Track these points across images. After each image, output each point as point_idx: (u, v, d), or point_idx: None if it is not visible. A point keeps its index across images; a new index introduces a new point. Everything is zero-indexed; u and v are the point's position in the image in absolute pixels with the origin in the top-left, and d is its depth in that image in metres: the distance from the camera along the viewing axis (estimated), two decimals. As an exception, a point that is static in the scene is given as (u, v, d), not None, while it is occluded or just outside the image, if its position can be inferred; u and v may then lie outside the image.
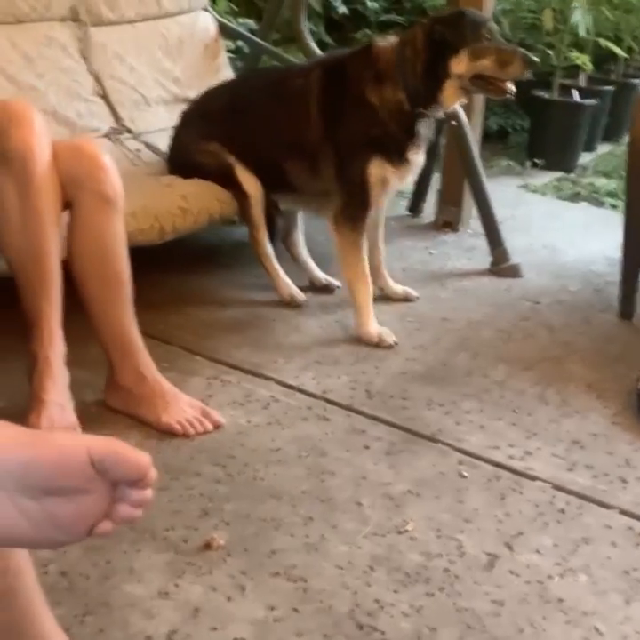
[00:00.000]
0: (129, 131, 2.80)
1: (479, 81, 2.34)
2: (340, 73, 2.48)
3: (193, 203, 2.46)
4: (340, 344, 2.44)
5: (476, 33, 2.32)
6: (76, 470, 0.78)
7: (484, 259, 3.07)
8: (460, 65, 2.32)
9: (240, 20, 3.91)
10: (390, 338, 2.44)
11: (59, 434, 0.80)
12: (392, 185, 2.48)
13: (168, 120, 2.83)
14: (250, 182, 2.57)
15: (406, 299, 2.74)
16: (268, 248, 2.64)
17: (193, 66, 3.09)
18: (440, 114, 2.46)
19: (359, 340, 2.46)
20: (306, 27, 3.29)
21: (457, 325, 2.60)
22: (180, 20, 3.10)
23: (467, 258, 3.14)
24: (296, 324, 2.54)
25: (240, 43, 3.66)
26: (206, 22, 3.18)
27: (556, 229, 3.50)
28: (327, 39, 4.45)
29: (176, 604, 1.49)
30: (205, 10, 3.21)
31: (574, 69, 4.56)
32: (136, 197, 2.26)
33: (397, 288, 2.75)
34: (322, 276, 2.79)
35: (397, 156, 2.42)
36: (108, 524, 0.81)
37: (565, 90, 4.46)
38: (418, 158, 2.47)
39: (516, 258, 3.03)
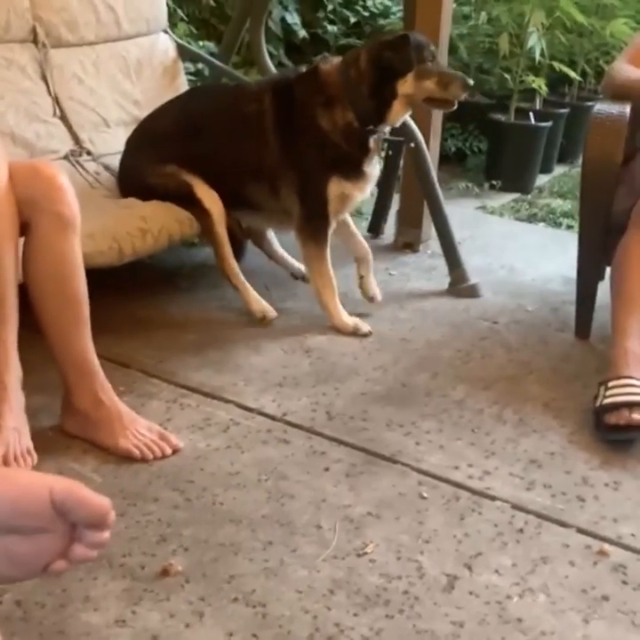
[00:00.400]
0: (88, 153, 2.78)
1: (426, 100, 2.50)
2: (290, 97, 2.54)
3: (152, 223, 2.45)
4: (301, 366, 2.43)
5: (420, 56, 2.44)
6: (37, 510, 0.78)
7: (442, 279, 3.09)
8: (405, 86, 2.44)
9: (200, 43, 3.92)
10: (365, 327, 2.61)
11: (21, 472, 0.80)
12: (352, 198, 2.59)
13: None
14: (211, 199, 2.56)
15: (372, 299, 2.81)
16: (235, 264, 2.64)
17: (152, 88, 3.08)
18: (388, 129, 2.59)
19: (319, 361, 2.47)
20: (265, 50, 3.31)
21: (416, 346, 2.61)
22: (139, 43, 3.10)
23: (426, 278, 3.15)
24: (256, 345, 2.53)
25: (200, 65, 3.66)
26: (166, 44, 3.18)
27: (513, 250, 3.53)
28: (287, 62, 4.47)
29: (133, 632, 1.47)
30: (165, 32, 3.21)
31: (530, 93, 4.61)
32: (95, 219, 2.25)
33: (372, 288, 2.82)
34: (301, 266, 2.86)
35: (354, 172, 2.52)
36: (63, 563, 0.81)
37: (522, 113, 4.52)
38: (374, 170, 2.59)
39: (474, 278, 3.05)
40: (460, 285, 3.03)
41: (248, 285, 2.67)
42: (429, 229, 3.36)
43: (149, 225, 2.44)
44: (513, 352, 2.61)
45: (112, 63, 3.01)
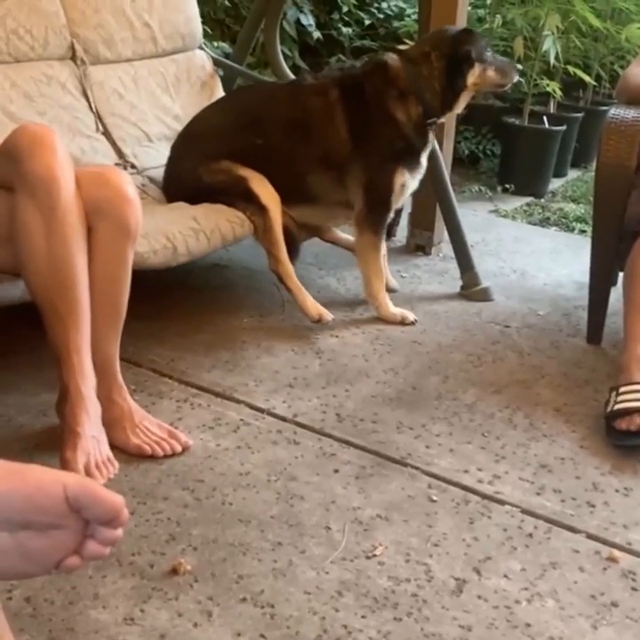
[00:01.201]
0: (133, 166, 2.76)
1: (485, 87, 2.78)
2: (360, 91, 2.62)
3: (204, 223, 2.44)
4: (312, 367, 2.44)
5: (484, 48, 2.65)
6: (51, 506, 0.79)
7: (454, 282, 3.09)
8: (474, 77, 2.63)
9: (215, 44, 3.92)
10: (411, 316, 2.74)
11: (35, 468, 0.81)
12: (409, 189, 2.71)
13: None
14: (268, 195, 2.56)
15: (392, 290, 2.91)
16: (290, 266, 2.63)
17: (191, 103, 3.07)
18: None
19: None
20: (279, 51, 3.31)
21: (427, 348, 2.61)
22: (176, 59, 3.10)
23: (438, 281, 3.15)
24: (267, 346, 2.54)
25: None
26: (202, 60, 3.18)
27: (525, 254, 3.53)
28: (301, 63, 4.48)
29: (142, 630, 1.47)
30: (201, 48, 3.21)
31: (544, 96, 4.60)
32: (146, 220, 2.23)
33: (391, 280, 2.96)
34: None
35: (414, 163, 2.68)
36: (76, 559, 0.82)
37: (535, 116, 4.51)
38: (425, 161, 2.74)
39: (486, 282, 3.05)
40: (471, 289, 3.03)
41: (303, 288, 2.65)
42: (442, 232, 3.36)
43: (202, 225, 2.43)
44: (524, 356, 2.61)
45: (151, 79, 3.01)
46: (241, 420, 2.14)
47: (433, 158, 3.04)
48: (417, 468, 1.99)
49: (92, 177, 1.85)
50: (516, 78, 2.73)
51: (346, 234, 2.96)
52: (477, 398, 2.34)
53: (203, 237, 2.42)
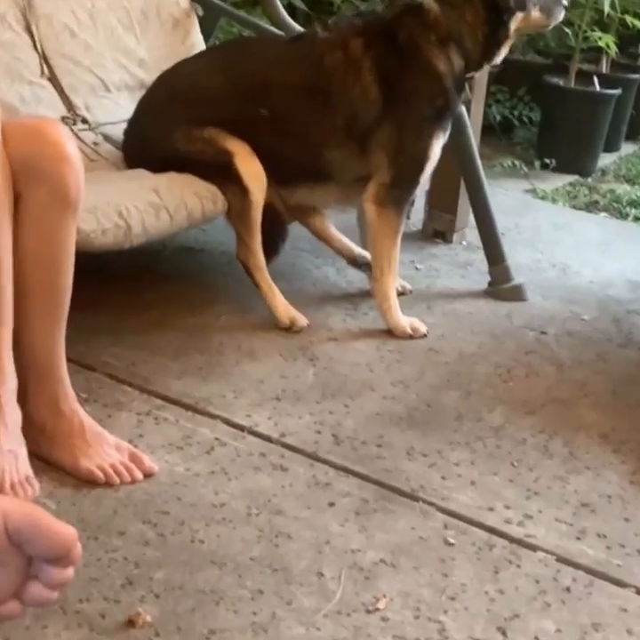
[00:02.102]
0: (84, 120, 2.76)
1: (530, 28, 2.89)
2: (391, 40, 2.65)
3: (168, 198, 2.45)
4: (304, 376, 2.44)
5: None
6: None
7: (480, 277, 3.10)
8: (517, 22, 2.69)
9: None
10: (422, 327, 2.72)
11: None
12: (437, 157, 2.73)
13: (132, 109, 2.80)
14: (253, 174, 2.59)
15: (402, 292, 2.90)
16: (262, 259, 2.66)
17: (161, 45, 3.08)
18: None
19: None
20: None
21: (446, 358, 2.62)
22: None
23: (460, 275, 3.16)
24: (250, 349, 2.54)
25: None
26: None
27: (568, 244, 3.53)
28: (298, 3, 4.47)
29: (90, 695, 1.47)
30: None
31: (595, 52, 4.63)
32: (96, 191, 2.20)
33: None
34: (363, 252, 2.92)
35: (447, 126, 2.73)
36: (15, 604, 0.80)
37: (584, 77, 4.53)
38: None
39: (519, 277, 3.06)
40: (501, 286, 3.04)
41: (274, 286, 2.68)
42: (466, 216, 3.37)
43: (164, 199, 2.43)
44: (564, 370, 2.62)
45: (111, 14, 3.00)
46: (216, 439, 2.13)
47: (458, 124, 3.04)
48: (431, 504, 1.99)
49: (24, 130, 1.82)
50: (562, 16, 2.83)
51: (336, 230, 2.97)
52: (506, 420, 2.34)
53: (164, 215, 2.43)
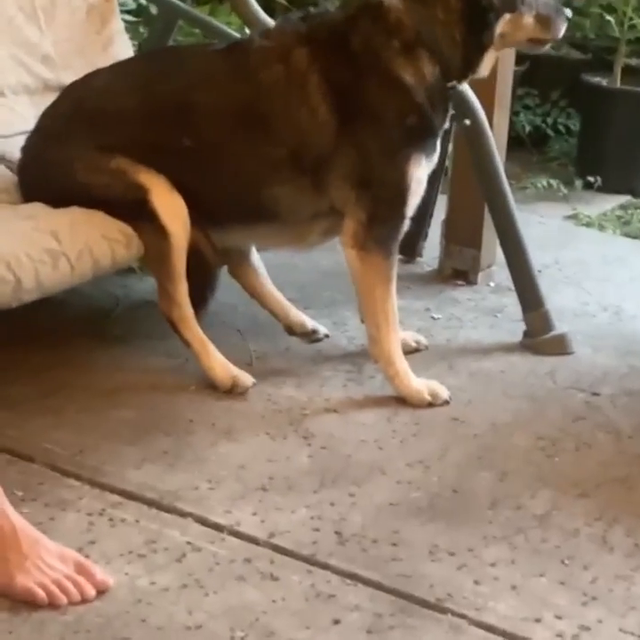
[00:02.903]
0: None
1: (519, 43, 2.83)
2: (342, 46, 2.63)
3: (68, 242, 2.45)
4: (297, 459, 2.43)
5: None
6: None
7: (513, 327, 3.10)
8: (505, 26, 2.68)
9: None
10: (445, 391, 2.72)
11: None
12: (423, 185, 2.73)
13: (33, 119, 2.82)
14: (173, 212, 2.60)
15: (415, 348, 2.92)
16: (190, 311, 2.67)
17: (71, 37, 3.11)
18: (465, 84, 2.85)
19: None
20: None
21: (474, 430, 2.61)
22: None
23: (488, 325, 3.16)
24: (228, 426, 2.53)
25: (144, 0, 3.70)
26: None
27: (621, 282, 3.53)
28: (276, -4, 4.52)
29: None
30: None
31: (645, 44, 4.68)
32: None
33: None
34: (304, 318, 2.93)
35: (430, 146, 2.72)
36: None
37: (632, 74, 4.56)
38: (439, 144, 2.80)
39: (562, 325, 3.06)
40: (540, 337, 3.03)
41: (207, 341, 2.68)
42: (493, 250, 3.37)
43: (64, 244, 2.44)
44: (623, 440, 2.60)
45: (9, 0, 3.02)
46: (188, 543, 2.11)
47: (478, 138, 3.06)
48: (462, 616, 1.97)
49: None
50: (563, 30, 2.78)
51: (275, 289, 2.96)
52: (553, 506, 2.32)
53: (64, 263, 2.43)
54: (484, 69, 2.74)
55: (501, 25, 2.66)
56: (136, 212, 2.58)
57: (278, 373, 2.75)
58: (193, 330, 2.68)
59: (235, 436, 2.50)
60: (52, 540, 1.98)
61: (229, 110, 2.67)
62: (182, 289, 2.65)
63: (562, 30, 2.78)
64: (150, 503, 2.22)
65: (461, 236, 3.44)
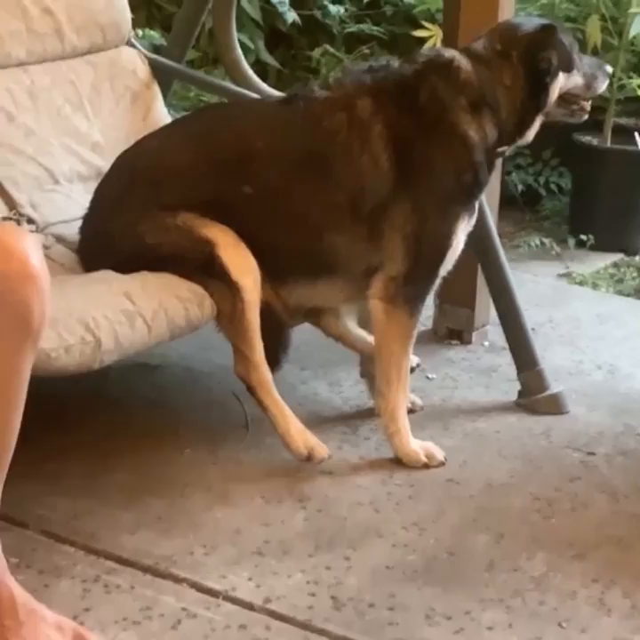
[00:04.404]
0: (30, 220, 2.77)
1: (563, 102, 2.83)
2: (409, 101, 2.68)
3: (142, 302, 2.45)
4: (292, 522, 2.42)
5: (571, 48, 2.79)
6: None
7: (508, 386, 3.10)
8: (557, 90, 2.75)
9: (139, 32, 3.98)
10: (440, 453, 2.72)
11: None
12: (461, 246, 2.76)
13: (87, 203, 2.82)
14: (244, 267, 2.60)
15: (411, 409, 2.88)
16: (269, 373, 2.64)
17: (118, 125, 3.14)
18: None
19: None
20: (236, 42, 3.37)
21: (470, 491, 2.60)
22: (93, 61, 3.16)
23: (483, 385, 3.16)
24: (223, 491, 2.52)
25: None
26: (133, 61, 3.25)
27: (615, 340, 3.53)
28: (268, 58, 4.56)
29: None
30: (130, 44, 3.28)
31: (635, 103, 4.69)
32: (55, 301, 2.21)
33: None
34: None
35: (473, 207, 2.78)
36: None
37: (622, 133, 4.58)
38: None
39: (557, 384, 3.05)
40: (535, 396, 3.03)
41: (285, 407, 2.65)
42: (487, 310, 3.38)
43: (139, 305, 2.44)
44: (619, 500, 2.59)
45: (56, 91, 3.05)
46: (183, 609, 2.11)
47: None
48: (460, 682, 1.96)
49: None
50: (605, 85, 2.91)
51: (358, 327, 2.95)
52: (549, 568, 2.31)
53: (140, 324, 2.43)
54: (530, 135, 2.80)
55: (557, 86, 2.73)
56: (205, 267, 2.57)
57: (273, 435, 2.73)
58: (272, 394, 2.64)
59: (230, 499, 2.49)
60: (47, 608, 1.97)
61: (290, 156, 2.70)
62: (259, 350, 2.61)
63: (604, 85, 2.88)
64: (145, 569, 2.22)
65: (455, 296, 3.43)
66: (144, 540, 2.31)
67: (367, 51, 4.68)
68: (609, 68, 2.88)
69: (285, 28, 4.68)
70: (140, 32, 3.97)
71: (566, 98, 2.80)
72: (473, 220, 2.77)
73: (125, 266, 2.58)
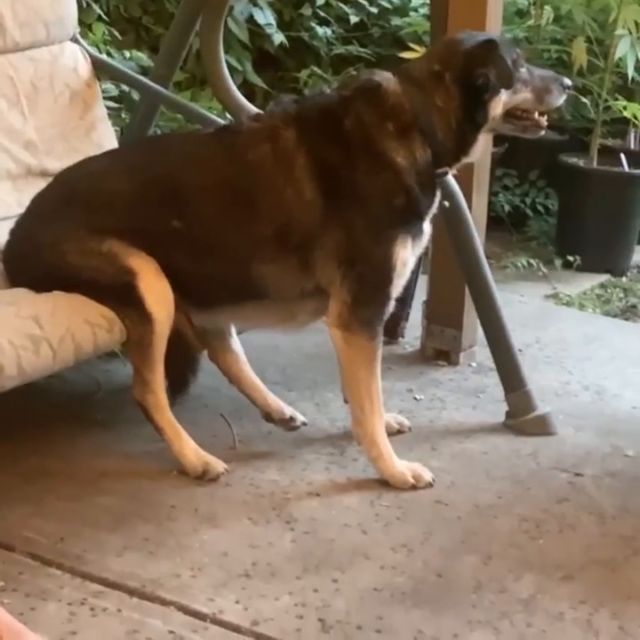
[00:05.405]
0: None
1: (511, 118, 2.77)
2: (333, 127, 2.66)
3: (51, 328, 2.44)
4: (280, 545, 2.41)
5: (514, 63, 2.70)
6: None
7: (496, 407, 3.09)
8: (499, 105, 2.70)
9: (127, 54, 4.00)
10: (428, 474, 2.71)
11: None
12: (410, 266, 2.74)
13: (16, 204, 2.84)
14: (160, 298, 2.61)
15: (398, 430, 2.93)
16: (164, 396, 2.67)
17: (54, 122, 3.13)
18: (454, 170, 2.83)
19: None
20: (223, 63, 3.38)
21: (458, 512, 2.59)
22: (34, 57, 3.16)
23: (470, 406, 3.15)
24: (210, 512, 2.51)
25: (127, 87, 3.72)
26: (74, 58, 3.26)
27: (602, 361, 3.54)
28: (256, 80, 4.57)
29: None
30: (74, 41, 3.28)
31: (620, 124, 4.72)
32: None
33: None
34: (282, 405, 2.91)
35: (417, 229, 2.73)
36: None
37: (608, 154, 4.60)
38: (428, 228, 2.80)
39: (544, 405, 3.05)
40: (522, 417, 3.03)
41: (179, 427, 2.67)
42: (474, 331, 3.38)
43: (46, 330, 2.43)
44: (607, 521, 2.59)
45: None
46: (170, 632, 2.09)
47: (457, 219, 3.08)
48: None
49: None
50: (562, 99, 2.83)
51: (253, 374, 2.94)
52: (537, 589, 2.30)
53: (45, 349, 2.41)
54: (475, 153, 2.78)
55: (496, 104, 2.68)
56: (122, 296, 2.58)
57: (261, 457, 2.74)
58: (166, 416, 2.67)
59: (217, 521, 2.48)
60: (33, 631, 1.95)
61: (217, 190, 2.69)
62: (159, 376, 2.64)
63: (560, 99, 2.80)
64: (132, 592, 2.20)
65: (442, 317, 3.44)
66: (131, 562, 2.30)
67: (354, 72, 4.69)
68: (567, 81, 2.81)
69: (273, 49, 4.69)
70: (127, 53, 4.00)
71: (514, 113, 2.76)
72: (421, 242, 2.76)
73: (43, 281, 2.59)
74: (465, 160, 2.78)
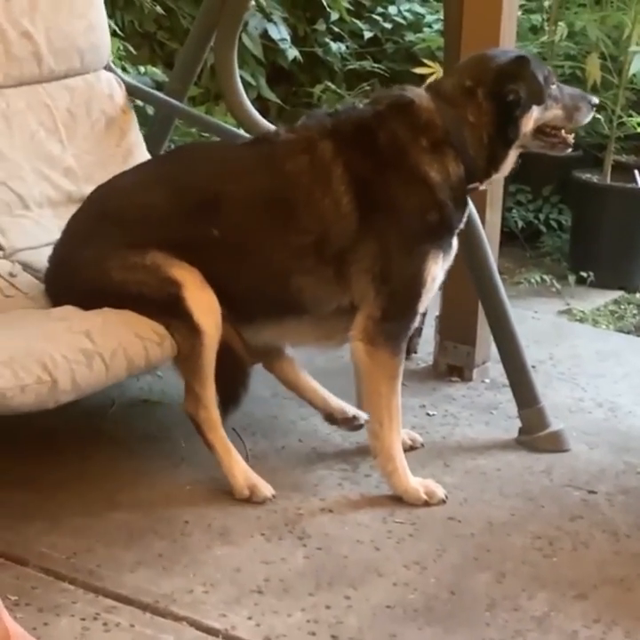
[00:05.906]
0: None
1: (540, 135, 2.82)
2: (368, 140, 2.69)
3: (102, 342, 2.45)
4: (293, 561, 2.40)
5: (546, 79, 2.76)
6: None
7: (509, 424, 3.09)
8: (530, 121, 2.75)
9: (142, 69, 4.01)
10: (440, 490, 2.71)
11: None
12: (439, 281, 2.77)
13: (57, 231, 2.83)
14: (207, 309, 2.61)
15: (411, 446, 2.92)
16: (217, 414, 2.66)
17: (92, 149, 3.15)
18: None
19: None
20: (238, 78, 3.39)
21: (471, 529, 2.59)
22: (70, 85, 3.18)
23: (483, 422, 3.15)
24: (223, 528, 2.51)
25: (140, 102, 3.73)
26: (109, 87, 3.27)
27: (616, 377, 3.53)
28: (270, 95, 4.58)
29: None
30: (108, 69, 3.30)
31: (634, 140, 4.71)
32: (13, 337, 2.22)
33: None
34: (344, 404, 2.93)
35: (448, 244, 2.76)
36: None
37: (622, 170, 4.59)
38: (456, 243, 2.83)
39: (557, 422, 3.05)
40: (536, 434, 3.02)
41: (231, 447, 2.67)
42: (487, 347, 3.38)
43: (98, 344, 2.43)
44: (620, 539, 2.58)
45: (31, 116, 3.07)
46: (183, 647, 2.10)
47: (470, 235, 3.08)
48: None
49: None
50: (590, 117, 2.88)
51: (310, 377, 2.96)
52: (551, 607, 2.30)
53: (98, 363, 2.42)
54: (505, 169, 2.81)
55: (528, 120, 2.72)
56: (168, 307, 2.58)
57: (274, 472, 2.73)
58: (218, 433, 2.66)
59: (230, 537, 2.48)
60: (47, 647, 1.97)
61: (256, 200, 2.71)
62: (210, 391, 2.64)
63: (588, 117, 2.86)
64: (145, 607, 2.20)
65: (456, 333, 3.43)
66: (144, 577, 2.30)
67: (368, 87, 4.70)
68: (594, 99, 2.86)
69: (287, 64, 4.71)
70: (142, 68, 4.01)
71: (544, 130, 2.80)
72: (450, 257, 2.78)
73: (89, 300, 2.60)
74: (495, 176, 2.82)
